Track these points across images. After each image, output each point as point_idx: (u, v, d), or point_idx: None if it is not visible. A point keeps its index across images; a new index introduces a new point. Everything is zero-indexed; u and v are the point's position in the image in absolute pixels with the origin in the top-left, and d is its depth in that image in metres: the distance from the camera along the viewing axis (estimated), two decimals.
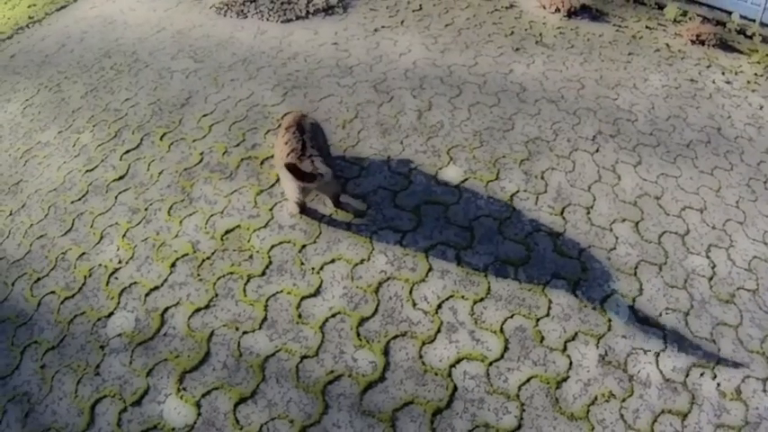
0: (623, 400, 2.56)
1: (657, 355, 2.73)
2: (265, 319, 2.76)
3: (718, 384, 2.66)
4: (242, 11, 5.93)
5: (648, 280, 3.03)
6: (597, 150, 3.90)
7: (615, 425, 2.46)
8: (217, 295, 2.87)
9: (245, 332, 2.70)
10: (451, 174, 3.65)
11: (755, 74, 5.13)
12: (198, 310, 2.82)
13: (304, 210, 3.23)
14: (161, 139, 4.03)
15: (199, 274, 2.98)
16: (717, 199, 3.63)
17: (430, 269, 3.01)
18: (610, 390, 2.59)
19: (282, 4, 5.98)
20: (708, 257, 3.22)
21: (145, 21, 6.00)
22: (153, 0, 6.43)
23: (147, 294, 2.92)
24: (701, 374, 2.69)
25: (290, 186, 3.01)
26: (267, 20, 5.80)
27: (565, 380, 2.61)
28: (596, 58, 5.17)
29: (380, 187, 3.50)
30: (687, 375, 2.67)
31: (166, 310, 2.85)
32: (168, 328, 2.77)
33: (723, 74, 5.10)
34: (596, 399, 2.55)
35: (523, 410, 2.49)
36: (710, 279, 3.11)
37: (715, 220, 3.48)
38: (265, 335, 2.71)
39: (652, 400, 2.57)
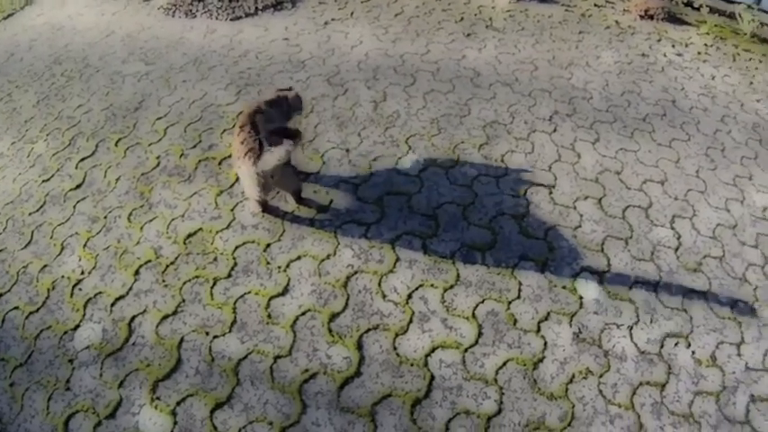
0: (601, 376, 2.63)
1: (630, 328, 2.82)
2: (235, 321, 2.76)
3: (693, 352, 2.75)
4: (190, 10, 5.96)
5: (615, 255, 3.12)
6: (555, 130, 4.00)
7: (595, 401, 2.53)
8: (184, 300, 2.87)
9: (215, 336, 2.68)
10: (411, 163, 3.66)
11: (705, 44, 5.34)
12: (166, 316, 2.81)
13: (266, 208, 3.24)
14: (116, 144, 4.00)
15: (164, 280, 2.98)
16: (677, 170, 3.76)
17: (397, 260, 3.04)
18: (587, 367, 2.66)
19: (231, 1, 6.01)
20: (672, 228, 3.34)
21: (93, 25, 5.98)
22: (100, 4, 6.43)
23: (112, 304, 2.89)
24: (676, 344, 2.78)
25: (250, 184, 3.00)
26: (216, 18, 5.85)
27: (541, 360, 2.67)
28: (547, 38, 5.30)
29: (341, 181, 3.53)
30: (662, 346, 2.76)
31: (133, 318, 2.83)
32: (137, 337, 2.75)
33: (674, 47, 5.29)
34: (574, 377, 2.62)
35: (502, 394, 2.54)
36: (677, 249, 3.22)
37: (676, 191, 3.61)
38: (236, 338, 2.71)
39: (629, 373, 2.65)
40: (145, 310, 2.85)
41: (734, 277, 3.11)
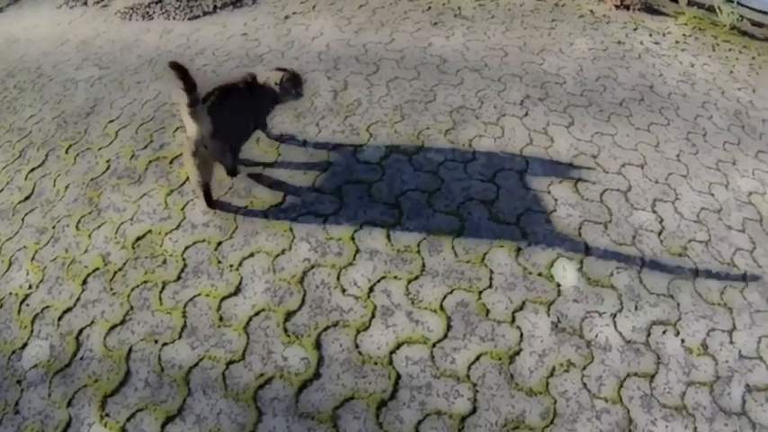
0: (584, 368, 2.50)
1: (614, 316, 2.70)
2: (185, 326, 2.62)
3: (683, 341, 2.65)
4: (147, 13, 6.03)
5: (594, 239, 3.02)
6: (526, 114, 3.91)
7: (579, 395, 2.41)
8: (132, 308, 2.71)
9: (164, 344, 2.55)
10: (372, 150, 3.57)
11: (684, 34, 5.33)
12: (113, 326, 2.65)
13: (209, 197, 3.11)
14: (66, 152, 3.86)
15: (111, 288, 2.82)
16: (656, 154, 3.68)
17: (357, 251, 2.92)
18: (568, 359, 2.53)
19: (189, 1, 6.07)
20: (654, 212, 3.26)
21: (49, 35, 5.93)
22: (57, 14, 6.42)
23: (59, 318, 2.72)
24: (664, 332, 2.67)
25: (192, 170, 2.90)
26: (174, 19, 5.89)
27: (518, 353, 2.54)
28: (518, 26, 5.26)
29: (298, 171, 3.38)
30: (648, 335, 2.65)
31: (81, 331, 2.65)
32: (85, 350, 2.58)
33: (651, 35, 5.27)
34: (554, 370, 2.49)
35: (477, 391, 2.41)
36: (660, 233, 3.13)
37: (657, 175, 3.52)
38: (186, 344, 2.55)
39: (615, 364, 2.52)
40: (92, 322, 2.69)
41: (721, 262, 3.02)
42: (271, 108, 3.24)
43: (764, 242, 3.20)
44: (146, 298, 2.77)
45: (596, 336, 2.62)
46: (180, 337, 2.60)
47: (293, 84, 3.22)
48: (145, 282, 2.85)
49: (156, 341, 2.59)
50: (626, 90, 4.34)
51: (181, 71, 2.59)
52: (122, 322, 2.69)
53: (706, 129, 4.07)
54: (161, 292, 2.79)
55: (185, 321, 2.65)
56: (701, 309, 2.80)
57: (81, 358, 2.57)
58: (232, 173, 3.24)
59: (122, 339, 2.62)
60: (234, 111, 2.99)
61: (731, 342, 2.69)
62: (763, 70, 5.11)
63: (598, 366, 2.52)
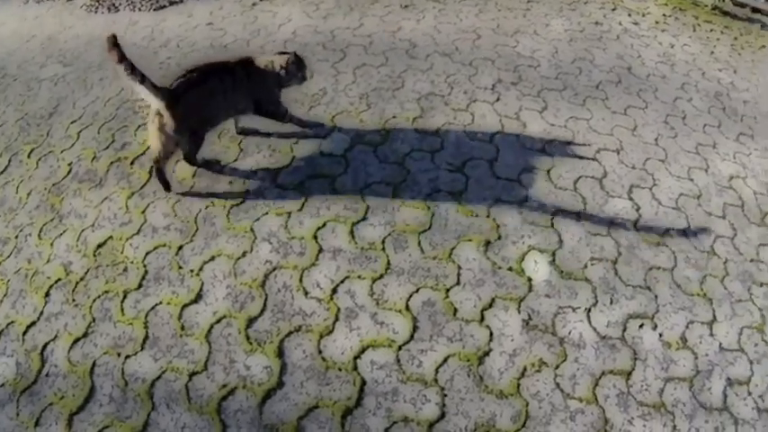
0: (557, 367, 2.44)
1: (588, 311, 2.65)
2: (147, 337, 2.54)
3: (661, 335, 2.61)
4: (113, 5, 5.96)
5: (568, 230, 2.98)
6: (498, 99, 3.84)
7: (552, 396, 2.36)
8: (94, 320, 2.63)
9: (127, 356, 2.47)
10: (335, 143, 3.50)
11: (664, 14, 5.30)
12: (77, 340, 2.57)
13: (160, 173, 3.09)
14: (29, 156, 3.75)
15: (74, 300, 2.74)
16: (633, 138, 3.63)
17: (320, 251, 2.84)
18: (540, 357, 2.47)
19: None
20: (631, 199, 3.18)
21: (14, 33, 5.81)
22: (25, 10, 6.28)
23: (24, 333, 2.64)
24: (641, 326, 2.63)
25: (150, 141, 2.92)
26: (139, 10, 5.81)
27: (487, 354, 2.47)
28: (492, 8, 5.21)
29: (260, 168, 3.30)
30: (624, 329, 2.60)
31: (45, 346, 2.58)
32: (50, 366, 2.50)
33: (629, 15, 5.23)
34: (526, 370, 2.43)
35: (445, 395, 2.34)
36: (636, 222, 3.08)
37: (634, 160, 3.47)
38: (149, 355, 2.48)
39: (589, 362, 2.47)
40: (56, 336, 2.61)
41: (701, 250, 2.96)
42: (277, 92, 3.20)
43: (746, 228, 3.14)
44: (107, 308, 2.70)
45: (569, 332, 2.56)
46: (142, 348, 2.53)
47: (298, 67, 3.18)
48: (106, 291, 2.77)
49: (119, 354, 2.52)
50: (603, 72, 4.29)
51: (111, 42, 2.60)
52: (85, 335, 2.62)
53: (685, 111, 4.03)
54: (122, 301, 2.72)
55: (147, 332, 2.58)
56: (679, 300, 2.75)
57: (46, 375, 2.50)
58: (188, 159, 3.17)
59: (86, 353, 2.55)
60: (211, 93, 2.95)
61: (711, 334, 2.66)
62: (744, 51, 5.09)
63: (572, 365, 2.46)
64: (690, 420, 2.35)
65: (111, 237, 3.02)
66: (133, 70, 2.66)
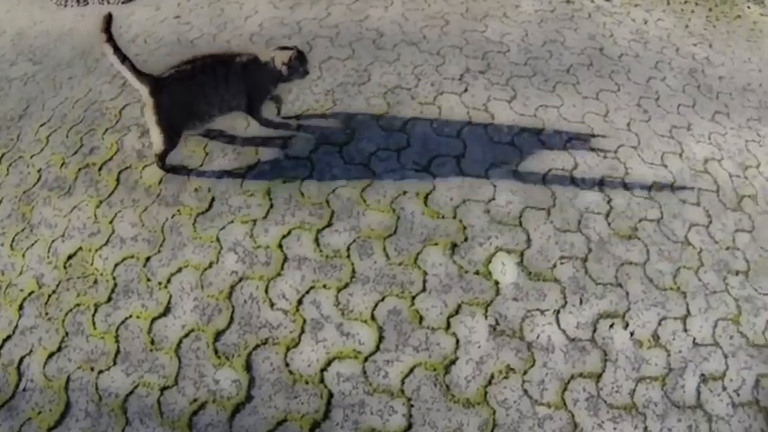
0: (524, 373, 2.46)
1: (557, 313, 2.67)
2: (118, 351, 2.55)
3: (632, 333, 2.63)
4: None
5: (536, 228, 2.98)
6: (466, 90, 3.82)
7: (519, 403, 2.38)
8: (67, 334, 2.65)
9: (100, 371, 2.49)
10: (300, 144, 3.48)
11: None
12: (51, 354, 2.59)
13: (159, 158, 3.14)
14: None
15: (47, 313, 2.75)
16: (605, 125, 3.62)
17: (285, 260, 2.85)
18: (507, 364, 2.49)
19: None
20: (602, 191, 3.19)
21: None
22: None
23: (0, 347, 2.66)
24: (611, 326, 2.64)
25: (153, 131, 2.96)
26: (108, 3, 5.72)
27: (453, 362, 2.49)
28: None
29: (225, 173, 3.29)
30: (594, 330, 2.62)
31: (21, 360, 2.59)
32: (26, 381, 2.52)
33: None
34: (493, 377, 2.45)
35: (411, 406, 2.36)
36: (607, 215, 3.09)
37: (605, 149, 3.48)
38: (121, 370, 2.50)
39: (558, 366, 2.49)
40: (31, 350, 2.62)
41: (675, 241, 2.96)
42: (272, 89, 3.23)
43: (721, 215, 3.14)
44: (79, 322, 2.71)
45: (537, 336, 2.58)
46: (114, 363, 2.55)
47: (300, 62, 3.18)
48: (78, 305, 2.78)
49: (93, 368, 2.54)
50: (574, 55, 4.27)
51: (105, 21, 2.73)
52: (59, 349, 2.63)
53: (659, 92, 4.02)
54: (93, 315, 2.73)
55: (118, 346, 2.60)
56: (651, 296, 2.78)
57: (24, 389, 2.52)
58: (158, 157, 3.22)
59: (60, 368, 2.56)
60: (201, 87, 2.99)
61: (685, 330, 2.68)
62: (720, 22, 5.08)
63: (540, 370, 2.48)
64: (662, 420, 2.38)
65: (80, 248, 3.02)
66: (117, 51, 2.75)
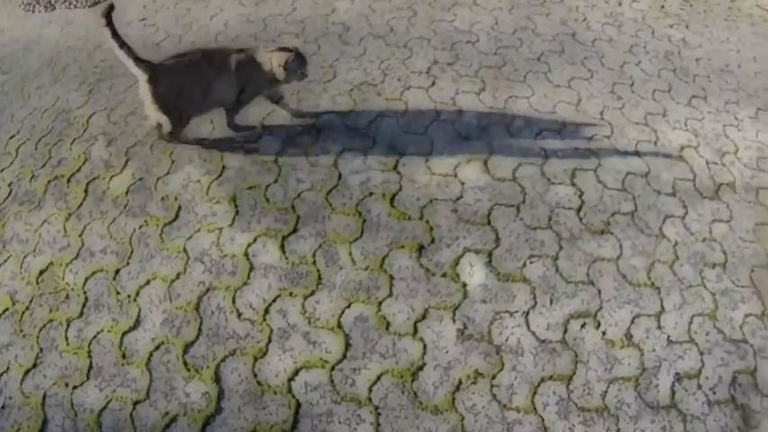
0: (493, 378, 2.47)
1: (526, 314, 2.66)
2: (91, 366, 2.57)
3: (604, 333, 2.63)
4: (50, 2, 5.81)
5: (505, 226, 2.97)
6: (433, 84, 3.80)
7: (488, 408, 2.39)
8: (42, 350, 2.67)
9: (74, 387, 2.51)
10: (267, 146, 3.47)
11: None
12: (27, 371, 2.62)
13: (170, 134, 3.27)
14: None
15: (21, 330, 2.76)
16: (577, 114, 3.60)
17: (251, 268, 2.85)
18: (475, 369, 2.49)
19: None
20: (573, 185, 3.18)
21: None
22: None
23: None
24: (582, 326, 2.65)
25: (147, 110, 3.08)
26: (75, 7, 5.69)
27: (421, 368, 2.49)
28: None
29: (191, 181, 3.28)
30: (565, 331, 2.62)
31: (0, 377, 2.51)
32: (5, 398, 2.54)
33: None
34: (461, 383, 2.45)
35: (379, 414, 2.37)
36: (579, 210, 3.09)
37: (577, 140, 3.44)
38: (94, 385, 2.52)
39: (527, 369, 2.50)
40: (8, 368, 2.65)
41: (648, 234, 2.92)
42: (263, 90, 3.30)
43: (698, 204, 3.13)
44: (53, 338, 2.72)
45: (506, 339, 2.58)
46: (88, 378, 2.56)
47: (299, 64, 3.19)
48: (51, 320, 2.79)
49: (67, 384, 2.56)
50: (545, 42, 4.27)
51: (107, 8, 2.80)
52: (34, 366, 2.65)
53: (633, 77, 4.02)
54: (66, 330, 2.74)
55: (91, 361, 2.61)
56: (625, 293, 2.78)
57: (2, 407, 2.54)
58: (171, 136, 3.31)
59: (36, 384, 2.58)
60: (196, 77, 3.07)
61: (659, 327, 2.68)
62: (697, 1, 5.12)
63: (509, 374, 2.49)
64: (635, 422, 2.39)
65: (51, 262, 3.03)
66: (115, 35, 2.85)
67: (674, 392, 2.49)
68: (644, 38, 4.50)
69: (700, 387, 2.48)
